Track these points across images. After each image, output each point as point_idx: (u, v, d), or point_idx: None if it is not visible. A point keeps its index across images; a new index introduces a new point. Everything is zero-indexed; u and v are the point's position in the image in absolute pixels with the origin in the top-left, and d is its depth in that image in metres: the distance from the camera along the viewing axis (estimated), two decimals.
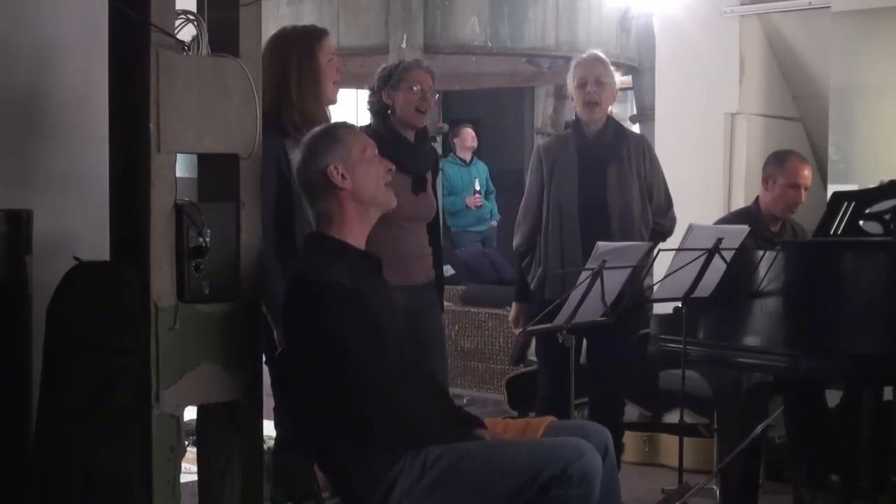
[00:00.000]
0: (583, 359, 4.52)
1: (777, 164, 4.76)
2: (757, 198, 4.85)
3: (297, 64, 3.61)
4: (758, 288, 3.94)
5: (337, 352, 2.93)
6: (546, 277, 4.45)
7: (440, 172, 5.01)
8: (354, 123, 3.63)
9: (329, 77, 3.67)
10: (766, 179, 4.76)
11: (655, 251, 4.12)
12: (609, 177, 4.42)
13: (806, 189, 4.74)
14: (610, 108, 4.51)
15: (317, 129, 3.25)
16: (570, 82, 4.51)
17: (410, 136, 4.13)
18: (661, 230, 4.57)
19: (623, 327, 4.17)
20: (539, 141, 9.71)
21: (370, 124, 4.21)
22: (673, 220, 4.62)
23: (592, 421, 3.86)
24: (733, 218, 4.74)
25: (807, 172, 4.75)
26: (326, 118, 3.66)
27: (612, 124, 4.52)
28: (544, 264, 4.47)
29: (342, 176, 3.08)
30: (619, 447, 4.46)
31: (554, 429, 3.17)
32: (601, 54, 4.58)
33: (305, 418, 3.08)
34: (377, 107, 4.16)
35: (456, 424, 3.10)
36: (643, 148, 4.55)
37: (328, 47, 3.70)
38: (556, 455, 2.91)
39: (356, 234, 3.12)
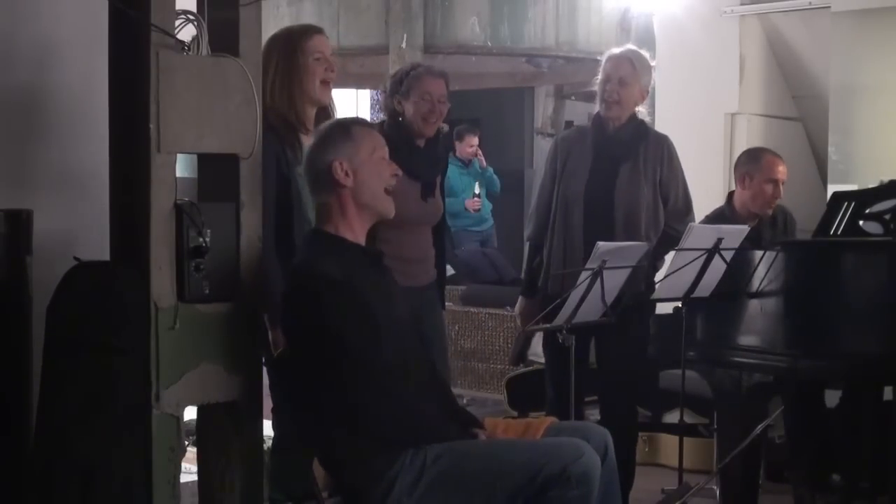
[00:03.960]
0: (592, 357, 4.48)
1: (751, 161, 4.75)
2: (730, 197, 4.80)
3: (275, 66, 3.57)
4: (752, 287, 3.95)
5: (331, 343, 2.94)
6: (550, 273, 4.34)
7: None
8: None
9: (313, 76, 3.61)
10: (742, 177, 4.73)
11: None
12: (620, 175, 4.26)
13: (783, 184, 4.73)
14: (638, 107, 4.36)
15: (332, 121, 3.22)
16: (598, 75, 4.37)
17: (422, 141, 4.06)
18: (675, 235, 4.27)
19: (627, 327, 4.11)
20: (539, 141, 9.69)
21: (383, 121, 4.18)
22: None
23: (604, 422, 3.86)
24: (708, 222, 4.67)
25: (782, 168, 4.73)
26: (301, 120, 3.61)
27: (635, 123, 4.35)
28: (547, 259, 4.36)
29: (346, 173, 3.07)
30: (633, 450, 4.45)
31: (554, 430, 3.18)
32: (635, 54, 4.36)
33: (305, 412, 3.08)
34: (389, 110, 4.11)
35: (454, 421, 3.10)
36: (663, 149, 4.36)
37: (315, 45, 3.63)
38: (556, 455, 2.92)
39: (355, 230, 3.12)
